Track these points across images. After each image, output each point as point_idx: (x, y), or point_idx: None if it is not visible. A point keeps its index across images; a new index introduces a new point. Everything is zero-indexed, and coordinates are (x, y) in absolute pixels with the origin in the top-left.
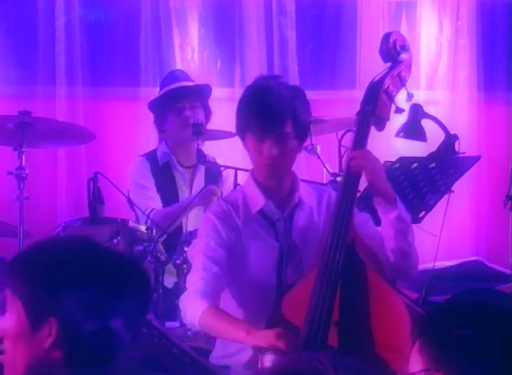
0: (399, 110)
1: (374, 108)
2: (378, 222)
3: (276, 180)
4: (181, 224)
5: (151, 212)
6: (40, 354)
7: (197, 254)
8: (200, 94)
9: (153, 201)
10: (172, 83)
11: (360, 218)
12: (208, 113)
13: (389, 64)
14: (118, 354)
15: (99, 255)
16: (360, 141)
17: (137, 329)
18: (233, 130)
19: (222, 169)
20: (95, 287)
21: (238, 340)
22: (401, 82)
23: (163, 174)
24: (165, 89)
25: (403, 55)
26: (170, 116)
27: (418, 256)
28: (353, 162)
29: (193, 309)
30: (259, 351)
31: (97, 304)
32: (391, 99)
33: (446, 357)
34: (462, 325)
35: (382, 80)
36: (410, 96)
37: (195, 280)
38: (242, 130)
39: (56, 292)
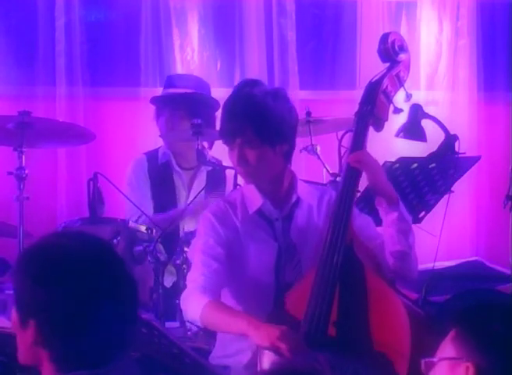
0: (397, 110)
1: (372, 108)
2: (378, 222)
3: (264, 184)
4: (179, 224)
5: (139, 217)
6: (29, 349)
7: (196, 252)
8: (186, 103)
9: (142, 207)
10: (165, 88)
11: (361, 220)
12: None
13: (387, 64)
14: (111, 357)
15: (89, 258)
16: (359, 141)
17: (129, 332)
18: None
19: (226, 171)
20: (79, 291)
21: (239, 331)
22: (399, 82)
23: (161, 174)
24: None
25: (402, 56)
26: (160, 119)
27: (418, 259)
28: (353, 163)
29: (194, 305)
30: (259, 348)
31: (82, 308)
32: (389, 99)
33: (480, 350)
34: (502, 322)
35: (380, 80)
36: (408, 96)
37: (195, 277)
38: None
39: (38, 294)
